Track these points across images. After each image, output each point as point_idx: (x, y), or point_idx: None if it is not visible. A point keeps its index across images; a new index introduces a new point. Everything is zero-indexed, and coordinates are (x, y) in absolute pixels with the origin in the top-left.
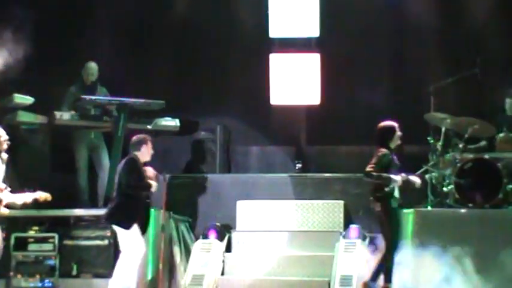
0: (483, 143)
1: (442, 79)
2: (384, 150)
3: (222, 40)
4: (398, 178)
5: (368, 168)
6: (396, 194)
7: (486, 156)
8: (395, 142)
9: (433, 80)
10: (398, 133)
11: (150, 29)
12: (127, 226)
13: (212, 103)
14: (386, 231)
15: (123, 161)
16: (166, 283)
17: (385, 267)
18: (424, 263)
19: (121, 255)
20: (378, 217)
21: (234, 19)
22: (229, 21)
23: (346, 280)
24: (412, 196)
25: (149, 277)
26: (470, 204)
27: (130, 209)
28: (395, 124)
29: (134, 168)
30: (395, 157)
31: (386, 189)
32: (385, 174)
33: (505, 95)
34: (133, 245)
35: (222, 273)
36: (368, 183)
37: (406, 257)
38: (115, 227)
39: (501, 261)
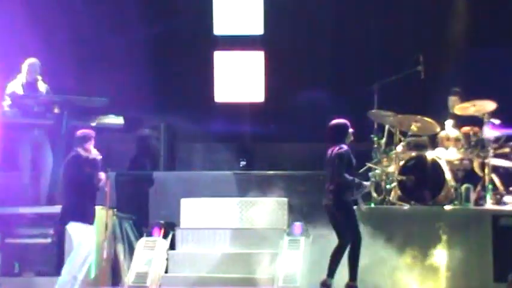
0: (424, 137)
1: (386, 77)
2: (345, 147)
3: (167, 37)
4: (368, 183)
5: (341, 176)
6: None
7: (429, 153)
8: (349, 139)
9: (377, 78)
10: (351, 130)
11: (92, 26)
12: (91, 221)
13: (156, 100)
14: (347, 228)
15: (68, 158)
16: (109, 281)
17: (350, 264)
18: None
19: (73, 252)
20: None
21: (178, 16)
22: (174, 18)
23: (289, 277)
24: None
25: (92, 275)
26: (412, 202)
27: (87, 204)
28: (347, 121)
29: (84, 164)
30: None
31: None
32: (358, 180)
33: (449, 93)
34: (87, 241)
35: (166, 271)
36: (313, 180)
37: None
38: (71, 225)
39: (443, 257)
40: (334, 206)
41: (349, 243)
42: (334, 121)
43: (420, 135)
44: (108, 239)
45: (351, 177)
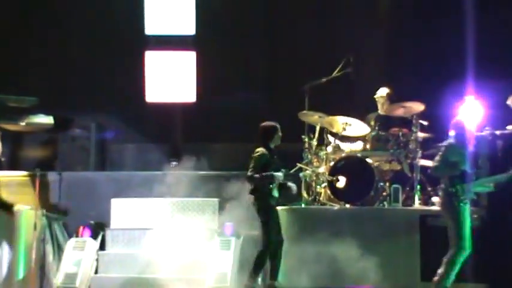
0: (358, 142)
1: (317, 78)
2: (260, 150)
3: (98, 37)
4: (280, 174)
5: (249, 173)
6: (275, 193)
7: (359, 154)
8: (275, 142)
9: (308, 79)
10: (280, 133)
11: (24, 24)
12: None
13: (87, 100)
14: (268, 230)
15: None
16: (38, 282)
17: (271, 264)
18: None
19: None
20: (258, 216)
21: (110, 15)
22: (105, 17)
23: (220, 277)
24: (287, 194)
25: (21, 276)
26: (342, 202)
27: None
28: (277, 124)
29: None
30: (275, 156)
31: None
32: (266, 173)
33: (378, 94)
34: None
35: (96, 272)
36: (244, 181)
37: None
38: None
39: (371, 256)
40: (258, 209)
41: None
42: (264, 123)
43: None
44: (36, 240)
45: (258, 175)
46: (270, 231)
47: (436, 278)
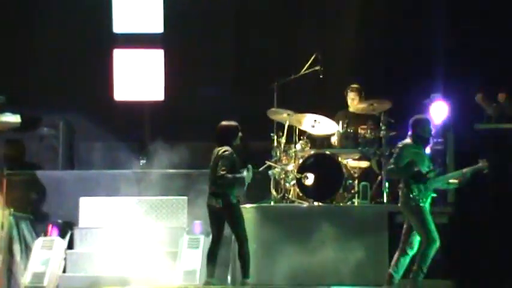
0: (327, 140)
1: (285, 76)
2: (229, 149)
3: (66, 34)
4: (249, 175)
5: (221, 172)
6: (236, 191)
7: (327, 151)
8: (237, 142)
9: (277, 77)
10: (240, 134)
11: None
12: None
13: (55, 98)
14: (235, 227)
15: None
16: (5, 282)
17: (241, 262)
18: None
19: None
20: (219, 214)
21: (78, 13)
22: (73, 15)
23: (189, 275)
24: (256, 192)
25: None
26: (311, 199)
27: None
28: (236, 124)
29: None
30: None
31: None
32: (238, 175)
33: (348, 90)
34: None
35: (64, 271)
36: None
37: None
38: None
39: (340, 253)
40: (221, 207)
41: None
42: (224, 122)
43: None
44: (4, 239)
45: (231, 175)
46: (241, 229)
47: (411, 274)
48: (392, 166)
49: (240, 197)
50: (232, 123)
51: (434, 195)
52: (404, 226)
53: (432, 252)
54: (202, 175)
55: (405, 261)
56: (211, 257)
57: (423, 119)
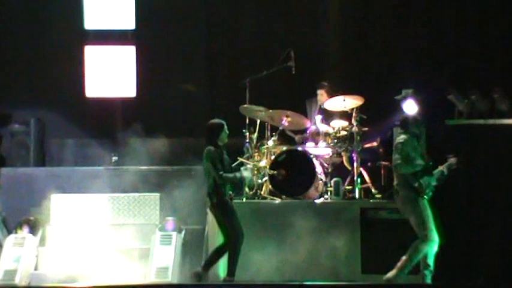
0: (298, 136)
1: (257, 72)
2: (208, 149)
3: (36, 31)
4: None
5: (220, 173)
6: (229, 188)
7: (299, 148)
8: (222, 140)
9: (249, 73)
10: (226, 131)
11: None
12: None
13: (26, 95)
14: (226, 224)
15: None
16: None
17: (229, 260)
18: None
19: None
20: (214, 212)
21: (49, 10)
22: (44, 12)
23: (161, 272)
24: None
25: None
26: (283, 196)
27: None
28: (221, 122)
29: None
30: (225, 154)
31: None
32: (238, 175)
33: (318, 87)
34: None
35: (36, 268)
36: (185, 176)
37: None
38: None
39: (313, 249)
40: (212, 206)
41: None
42: (211, 121)
43: (293, 130)
44: None
45: (231, 175)
46: (232, 225)
47: (398, 264)
48: (399, 161)
49: (232, 195)
50: (215, 121)
51: (433, 189)
52: None
53: (427, 249)
54: (174, 171)
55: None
56: (214, 252)
57: (417, 118)
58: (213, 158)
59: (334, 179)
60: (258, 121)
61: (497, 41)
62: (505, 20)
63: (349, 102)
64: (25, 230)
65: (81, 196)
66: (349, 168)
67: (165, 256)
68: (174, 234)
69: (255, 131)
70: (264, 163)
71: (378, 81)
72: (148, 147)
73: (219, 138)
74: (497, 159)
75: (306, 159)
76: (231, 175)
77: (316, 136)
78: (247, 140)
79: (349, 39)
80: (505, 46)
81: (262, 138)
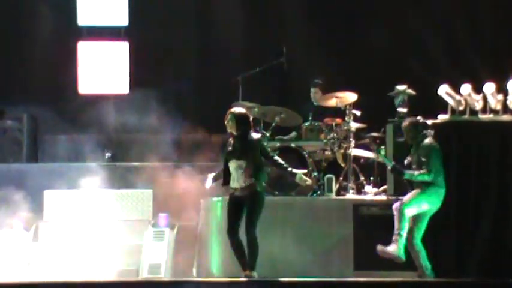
0: (293, 133)
1: (250, 69)
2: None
3: (29, 27)
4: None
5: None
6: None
7: (292, 144)
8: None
9: (242, 70)
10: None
11: None
12: None
13: (18, 91)
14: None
15: None
16: None
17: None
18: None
19: None
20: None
21: (43, 6)
22: (38, 7)
23: (154, 268)
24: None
25: None
26: (276, 192)
27: None
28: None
29: None
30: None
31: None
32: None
33: (310, 85)
34: None
35: (29, 264)
36: (178, 172)
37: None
38: None
39: (305, 246)
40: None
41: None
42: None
43: (286, 127)
44: None
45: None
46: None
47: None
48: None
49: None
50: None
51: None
52: None
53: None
54: (167, 167)
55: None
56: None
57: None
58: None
59: (327, 176)
60: (251, 118)
61: (491, 35)
62: (498, 15)
63: (342, 98)
64: (18, 226)
65: (74, 192)
66: (342, 164)
67: (158, 252)
68: (167, 230)
69: None
70: None
71: (372, 77)
72: (141, 143)
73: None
74: (490, 155)
75: (298, 156)
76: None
77: (309, 133)
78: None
79: (342, 35)
80: (499, 41)
81: None
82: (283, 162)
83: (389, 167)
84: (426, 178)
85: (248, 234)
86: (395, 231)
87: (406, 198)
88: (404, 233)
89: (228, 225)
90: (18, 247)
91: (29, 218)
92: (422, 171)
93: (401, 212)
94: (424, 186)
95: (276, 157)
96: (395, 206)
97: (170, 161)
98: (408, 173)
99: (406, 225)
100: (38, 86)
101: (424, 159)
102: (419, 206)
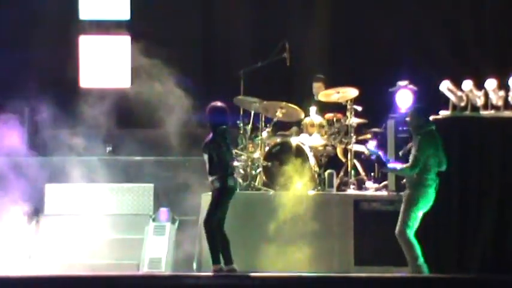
0: (294, 128)
1: (252, 63)
2: None
3: (32, 21)
4: None
5: None
6: None
7: (293, 139)
8: None
9: (243, 64)
10: None
11: None
12: None
13: (20, 85)
14: None
15: None
16: None
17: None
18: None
19: None
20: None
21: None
22: (39, 1)
23: (154, 262)
24: None
25: None
26: (277, 187)
27: None
28: None
29: None
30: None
31: None
32: None
33: (312, 80)
34: None
35: (30, 257)
36: (179, 166)
37: None
38: None
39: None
40: None
41: None
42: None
43: (288, 122)
44: None
45: None
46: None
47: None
48: None
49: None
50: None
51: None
52: None
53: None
54: (168, 162)
55: None
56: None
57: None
58: None
59: (328, 171)
60: (252, 112)
61: (493, 32)
62: (500, 12)
63: (343, 94)
64: (19, 220)
65: (75, 186)
66: (343, 160)
67: (159, 247)
68: (168, 224)
69: (249, 122)
70: (257, 154)
71: (373, 73)
72: (143, 138)
73: None
74: (491, 151)
75: (299, 151)
76: None
77: (310, 128)
78: (241, 132)
79: (344, 31)
80: (501, 38)
81: (256, 129)
82: None
83: (373, 158)
84: (407, 173)
85: (223, 228)
86: (412, 263)
87: (403, 220)
88: (421, 260)
89: (221, 215)
90: (19, 241)
91: (30, 212)
92: (405, 166)
93: (407, 239)
94: (413, 190)
95: None
96: (398, 231)
97: (171, 156)
98: (390, 166)
99: (419, 251)
100: (39, 79)
101: (414, 153)
102: (417, 218)
